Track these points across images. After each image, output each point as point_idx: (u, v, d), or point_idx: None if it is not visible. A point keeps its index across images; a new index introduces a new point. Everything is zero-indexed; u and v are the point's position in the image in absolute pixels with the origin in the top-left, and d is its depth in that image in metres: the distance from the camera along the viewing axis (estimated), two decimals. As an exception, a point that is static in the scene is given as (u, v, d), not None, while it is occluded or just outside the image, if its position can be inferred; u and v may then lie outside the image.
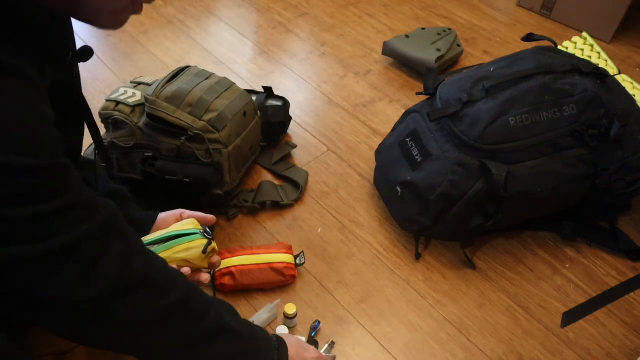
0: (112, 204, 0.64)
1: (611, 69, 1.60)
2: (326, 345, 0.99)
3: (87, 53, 0.74)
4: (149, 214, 0.94)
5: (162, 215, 0.94)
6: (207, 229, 0.93)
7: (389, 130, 1.28)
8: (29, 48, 0.57)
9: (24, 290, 0.56)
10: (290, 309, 1.00)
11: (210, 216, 0.95)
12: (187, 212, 0.96)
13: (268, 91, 1.39)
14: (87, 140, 0.89)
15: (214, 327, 0.72)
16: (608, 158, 1.06)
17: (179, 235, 0.88)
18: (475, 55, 1.77)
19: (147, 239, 0.88)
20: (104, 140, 1.17)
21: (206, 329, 0.70)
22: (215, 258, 0.93)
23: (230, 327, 0.74)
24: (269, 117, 1.34)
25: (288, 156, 1.38)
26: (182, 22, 1.86)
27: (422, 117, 1.14)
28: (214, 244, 0.92)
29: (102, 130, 1.23)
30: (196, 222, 0.92)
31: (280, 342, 0.84)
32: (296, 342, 0.88)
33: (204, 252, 0.89)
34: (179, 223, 0.92)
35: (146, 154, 1.14)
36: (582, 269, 1.16)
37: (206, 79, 1.17)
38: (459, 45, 1.70)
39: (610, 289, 1.13)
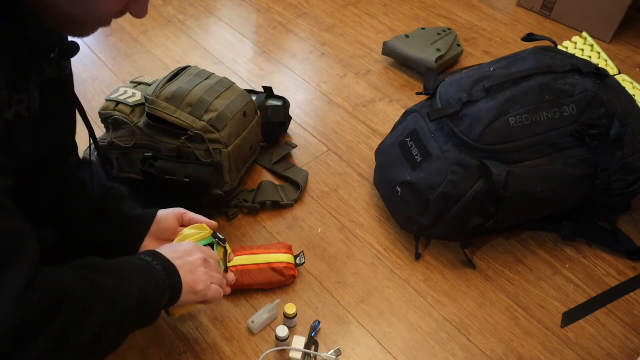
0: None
1: (611, 69, 1.60)
2: (332, 351, 0.99)
3: (73, 49, 0.74)
4: (148, 211, 0.94)
5: (162, 213, 0.94)
6: (217, 233, 0.94)
7: (389, 130, 1.28)
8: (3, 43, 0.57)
9: None
10: (290, 309, 1.00)
11: (214, 222, 0.96)
12: (189, 215, 0.95)
13: (268, 91, 1.39)
14: (83, 140, 0.89)
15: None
16: (608, 158, 1.06)
17: None
18: (475, 55, 1.77)
19: None
20: (104, 140, 1.17)
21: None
22: (231, 256, 0.96)
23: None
24: (269, 117, 1.34)
25: (288, 156, 1.38)
26: (182, 22, 1.86)
27: (422, 117, 1.14)
28: (229, 248, 0.94)
29: (103, 130, 1.23)
30: (205, 227, 0.93)
31: (169, 272, 0.77)
32: (187, 268, 0.81)
33: (225, 270, 0.92)
34: (188, 232, 0.92)
35: (146, 154, 1.14)
36: (582, 269, 1.16)
37: (206, 79, 1.17)
38: (459, 45, 1.70)
39: (610, 289, 1.13)
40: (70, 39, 0.74)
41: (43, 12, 0.62)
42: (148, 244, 0.92)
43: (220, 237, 0.93)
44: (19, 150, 0.67)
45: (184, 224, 0.95)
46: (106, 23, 0.65)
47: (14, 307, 0.53)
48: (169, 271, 0.78)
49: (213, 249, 0.92)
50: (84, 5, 0.60)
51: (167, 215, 0.93)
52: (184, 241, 0.89)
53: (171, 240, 0.92)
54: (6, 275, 0.54)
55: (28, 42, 0.64)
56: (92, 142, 0.88)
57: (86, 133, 0.87)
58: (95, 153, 0.92)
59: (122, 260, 0.75)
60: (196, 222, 0.94)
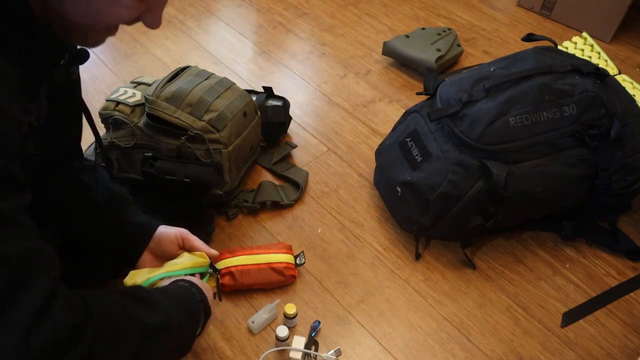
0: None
1: (611, 69, 1.60)
2: (332, 351, 0.99)
3: (82, 56, 0.74)
4: (150, 221, 0.94)
5: (164, 231, 0.93)
6: (212, 263, 0.96)
7: (389, 130, 1.28)
8: (14, 49, 0.57)
9: None
10: (290, 309, 1.00)
11: (214, 251, 0.97)
12: (192, 242, 0.95)
13: (268, 91, 1.39)
14: (86, 142, 0.89)
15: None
16: (608, 158, 1.06)
17: (192, 273, 0.92)
18: (475, 55, 1.77)
19: (161, 273, 0.89)
20: (104, 140, 1.17)
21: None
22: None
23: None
24: (269, 117, 1.34)
25: (288, 156, 1.38)
26: (182, 22, 1.86)
27: (422, 117, 1.14)
28: (218, 280, 0.99)
29: (102, 130, 1.23)
30: (204, 256, 0.94)
31: (204, 305, 0.84)
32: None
33: (220, 299, 0.97)
34: (191, 258, 0.93)
35: (146, 154, 1.14)
36: (582, 269, 1.16)
37: (206, 79, 1.17)
38: (459, 45, 1.70)
39: (610, 289, 1.13)
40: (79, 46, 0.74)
41: (53, 22, 0.61)
42: (146, 259, 0.92)
43: (216, 268, 0.97)
44: (24, 155, 0.66)
45: (184, 248, 0.95)
46: (114, 31, 0.65)
47: (24, 336, 0.49)
48: (204, 304, 0.83)
49: (202, 277, 0.95)
50: (96, 15, 0.59)
51: (168, 237, 0.93)
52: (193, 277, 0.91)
53: (169, 259, 0.93)
54: (19, 302, 0.50)
55: (39, 51, 0.64)
56: (97, 146, 0.88)
57: (88, 134, 0.87)
58: (98, 152, 0.91)
59: (170, 291, 0.80)
60: (197, 250, 0.95)
